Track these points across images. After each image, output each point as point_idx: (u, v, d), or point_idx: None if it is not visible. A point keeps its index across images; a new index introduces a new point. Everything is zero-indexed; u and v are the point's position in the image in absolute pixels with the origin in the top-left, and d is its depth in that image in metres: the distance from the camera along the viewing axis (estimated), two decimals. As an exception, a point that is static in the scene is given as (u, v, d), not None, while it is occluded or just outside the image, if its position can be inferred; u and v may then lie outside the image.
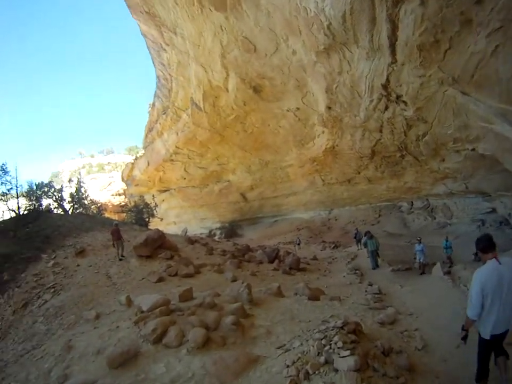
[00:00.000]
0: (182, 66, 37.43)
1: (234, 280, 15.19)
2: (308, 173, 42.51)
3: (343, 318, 8.24)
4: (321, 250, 34.58)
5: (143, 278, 15.42)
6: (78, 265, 17.50)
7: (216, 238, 52.64)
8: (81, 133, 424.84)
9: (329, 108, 26.80)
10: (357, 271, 19.41)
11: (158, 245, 19.61)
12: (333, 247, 35.84)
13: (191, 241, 24.72)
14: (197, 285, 14.07)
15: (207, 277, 16.29)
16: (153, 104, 53.57)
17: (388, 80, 19.91)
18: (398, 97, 21.22)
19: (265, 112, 33.92)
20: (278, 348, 7.53)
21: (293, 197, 50.73)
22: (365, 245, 22.44)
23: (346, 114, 26.37)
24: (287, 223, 54.88)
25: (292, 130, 35.22)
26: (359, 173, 37.38)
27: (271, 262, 22.18)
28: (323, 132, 32.50)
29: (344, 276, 18.96)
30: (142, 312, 9.43)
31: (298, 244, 37.51)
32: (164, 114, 49.68)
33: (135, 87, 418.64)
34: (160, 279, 15.01)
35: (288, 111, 32.10)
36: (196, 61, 32.49)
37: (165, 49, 38.05)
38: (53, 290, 14.75)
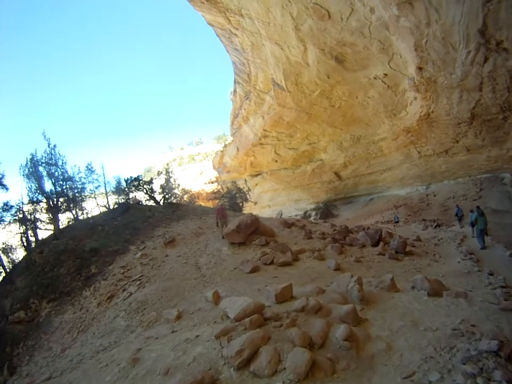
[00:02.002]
0: (256, 47, 36.46)
1: (337, 268, 13.35)
2: (403, 145, 39.60)
3: (480, 328, 6.42)
4: (422, 230, 31.38)
5: (235, 268, 14.02)
6: (167, 256, 16.85)
7: (311, 219, 51.15)
8: (168, 127, 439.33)
9: (420, 68, 24.33)
10: (472, 256, 16.59)
11: (252, 230, 17.77)
12: (435, 226, 32.58)
13: (288, 224, 22.60)
14: (295, 275, 12.40)
15: (306, 265, 14.39)
16: (235, 91, 53.44)
17: (484, 24, 17.29)
18: (498, 44, 18.47)
19: (351, 83, 31.85)
20: (406, 378, 5.21)
21: (388, 172, 47.66)
22: (474, 222, 19.86)
23: (440, 74, 23.77)
24: (383, 200, 51.71)
25: (381, 99, 32.85)
26: (457, 141, 34.09)
27: (375, 245, 19.58)
28: (415, 98, 29.78)
29: (458, 262, 16.11)
30: (228, 317, 7.57)
31: (397, 222, 35.17)
32: (246, 99, 49.12)
33: (215, 76, 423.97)
34: (254, 269, 13.42)
35: (375, 78, 29.81)
36: (269, 39, 31.27)
37: (235, 34, 37.25)
38: (138, 282, 14.29)
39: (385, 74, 28.67)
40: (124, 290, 14.08)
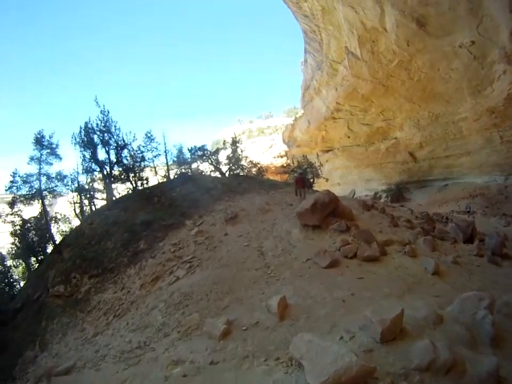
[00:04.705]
0: (327, 12, 33.82)
1: (435, 272, 9.93)
2: (484, 128, 35.10)
3: None
4: (504, 226, 27.10)
5: (308, 260, 10.85)
6: (226, 235, 14.66)
7: (382, 201, 48.03)
8: (236, 102, 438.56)
9: (514, 35, 20.95)
10: None
11: (329, 211, 14.63)
12: (518, 223, 28.98)
13: (367, 206, 18.78)
14: (385, 277, 9.33)
15: (396, 262, 10.82)
16: (305, 61, 51.36)
17: None
18: None
19: (433, 52, 28.35)
20: None
21: (466, 157, 42.82)
22: None
23: (540, 42, 20.31)
24: (458, 188, 46.91)
25: (465, 73, 29.05)
26: (546, 128, 29.70)
27: (467, 241, 15.73)
28: (504, 72, 26.07)
29: None
30: (299, 364, 4.47)
31: (468, 212, 31.59)
32: (318, 70, 46.41)
33: (282, 47, 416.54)
34: (333, 263, 10.26)
35: (460, 47, 26.16)
36: (341, 2, 28.76)
37: (304, -1, 34.59)
38: (188, 265, 12.54)
39: (473, 42, 25.07)
40: (171, 273, 12.47)
